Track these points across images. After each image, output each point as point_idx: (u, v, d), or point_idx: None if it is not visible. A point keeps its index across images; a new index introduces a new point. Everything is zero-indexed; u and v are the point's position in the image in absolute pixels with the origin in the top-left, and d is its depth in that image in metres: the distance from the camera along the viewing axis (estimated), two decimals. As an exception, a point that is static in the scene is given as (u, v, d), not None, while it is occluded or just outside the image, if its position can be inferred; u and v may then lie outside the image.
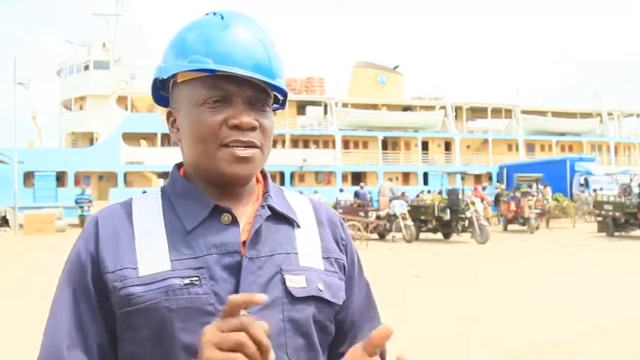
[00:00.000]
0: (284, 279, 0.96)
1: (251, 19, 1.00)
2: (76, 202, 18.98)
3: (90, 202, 18.60)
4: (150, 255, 0.94)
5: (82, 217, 18.56)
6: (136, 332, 0.92)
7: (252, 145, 0.96)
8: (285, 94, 1.04)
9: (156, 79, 1.03)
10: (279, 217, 1.02)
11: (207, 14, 1.00)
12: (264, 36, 0.99)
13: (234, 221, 0.97)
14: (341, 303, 1.03)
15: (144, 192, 1.08)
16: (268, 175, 1.09)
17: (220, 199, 0.99)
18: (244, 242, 0.96)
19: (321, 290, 0.99)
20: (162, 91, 1.06)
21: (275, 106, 1.05)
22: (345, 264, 1.08)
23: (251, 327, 0.77)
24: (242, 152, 0.95)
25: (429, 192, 24.38)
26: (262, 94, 0.98)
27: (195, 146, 0.97)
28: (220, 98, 0.95)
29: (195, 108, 0.96)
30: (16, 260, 12.24)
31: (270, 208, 1.01)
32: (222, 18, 0.97)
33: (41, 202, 30.30)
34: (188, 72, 0.96)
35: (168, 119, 1.04)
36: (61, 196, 31.90)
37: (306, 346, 0.97)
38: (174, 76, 0.99)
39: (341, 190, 23.59)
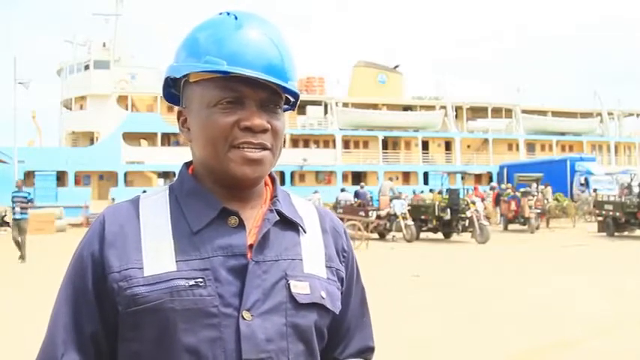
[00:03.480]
0: (289, 284, 0.96)
1: (264, 20, 1.00)
2: (12, 202, 12.69)
3: (29, 201, 12.75)
4: (155, 255, 0.94)
5: (16, 222, 12.49)
6: (139, 332, 0.92)
7: (262, 147, 0.96)
8: (297, 96, 1.04)
9: (167, 77, 1.03)
10: (285, 222, 1.02)
11: (220, 14, 0.99)
12: (277, 37, 0.98)
13: (241, 224, 0.97)
14: (337, 312, 1.04)
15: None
16: (277, 179, 1.09)
17: (228, 200, 0.99)
18: (250, 245, 0.96)
19: (323, 298, 0.99)
20: (173, 88, 1.05)
21: (285, 107, 1.04)
22: (344, 276, 1.09)
23: None
24: (252, 154, 0.95)
25: (431, 191, 24.41)
26: (275, 96, 0.97)
27: (206, 147, 0.96)
28: (233, 100, 0.95)
29: (207, 109, 0.96)
30: (16, 260, 12.23)
31: (278, 212, 1.01)
32: (236, 18, 0.96)
33: (41, 201, 30.29)
34: (201, 72, 0.95)
35: (178, 119, 1.04)
36: (61, 195, 31.94)
37: (307, 352, 0.98)
38: (186, 75, 0.98)
39: (342, 190, 23.54)
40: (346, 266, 1.10)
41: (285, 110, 1.05)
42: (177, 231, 0.96)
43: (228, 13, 0.98)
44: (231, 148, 0.95)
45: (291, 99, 1.04)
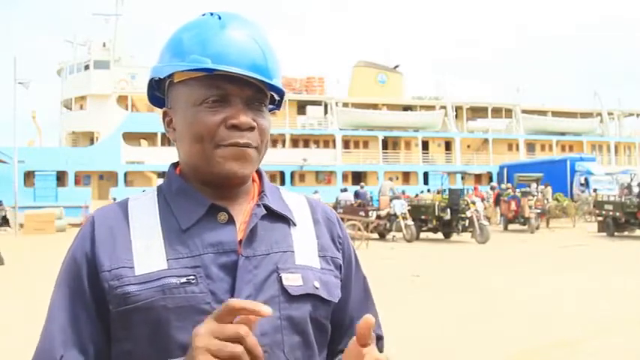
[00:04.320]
0: (280, 277, 0.96)
1: (248, 19, 1.00)
2: None
3: None
4: (146, 254, 0.94)
5: None
6: (132, 331, 0.92)
7: (248, 146, 0.96)
8: (282, 95, 1.04)
9: (151, 79, 1.03)
10: (275, 216, 1.02)
11: (203, 15, 1.00)
12: (260, 36, 0.99)
13: (231, 220, 0.97)
14: (336, 301, 1.03)
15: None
16: (264, 174, 1.09)
17: (216, 198, 0.99)
18: (241, 241, 0.96)
19: (317, 288, 0.99)
20: (157, 91, 1.06)
21: (271, 106, 1.05)
22: (342, 263, 1.08)
23: (248, 339, 0.76)
24: (238, 152, 0.96)
25: (428, 191, 24.37)
26: (260, 94, 0.98)
27: (192, 146, 0.97)
28: (219, 98, 0.95)
29: (192, 107, 0.96)
30: (16, 260, 12.23)
31: (266, 206, 1.01)
32: (220, 18, 0.97)
33: (41, 201, 30.35)
34: (186, 72, 0.96)
35: (164, 119, 1.04)
36: (61, 195, 31.96)
37: (303, 344, 0.97)
38: (170, 76, 0.99)
39: (345, 190, 23.48)
40: (342, 253, 1.09)
41: (270, 110, 1.05)
42: (167, 229, 0.96)
43: (212, 14, 0.99)
44: (217, 147, 0.95)
45: (277, 97, 1.05)
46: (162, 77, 1.01)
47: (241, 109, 0.95)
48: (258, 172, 1.08)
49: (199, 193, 0.99)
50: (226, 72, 0.93)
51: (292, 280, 0.97)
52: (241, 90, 0.95)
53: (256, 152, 0.98)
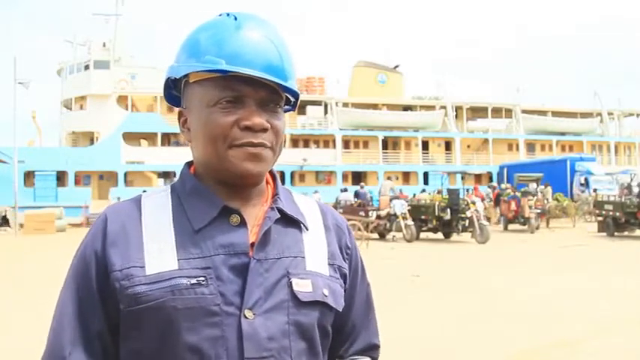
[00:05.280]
0: (291, 282, 0.96)
1: (264, 20, 1.00)
2: None
3: None
4: (157, 254, 0.94)
5: None
6: (141, 330, 0.92)
7: (263, 146, 0.96)
8: (297, 96, 1.04)
9: (168, 78, 1.03)
10: (287, 220, 1.02)
11: (220, 15, 1.00)
12: (276, 37, 0.98)
13: (243, 222, 0.97)
14: (341, 310, 1.04)
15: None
16: (277, 177, 1.09)
17: (230, 199, 0.99)
18: (252, 244, 0.96)
19: (326, 296, 0.99)
20: (174, 90, 1.06)
21: (286, 107, 1.05)
22: (347, 273, 1.08)
23: None
24: (253, 150, 0.96)
25: (424, 191, 24.34)
26: (274, 95, 0.98)
27: (207, 147, 0.97)
28: (232, 99, 0.95)
29: (207, 108, 0.96)
30: (16, 260, 12.23)
31: (280, 210, 1.01)
32: (235, 19, 0.97)
33: (41, 201, 30.34)
34: (200, 72, 0.96)
35: (179, 119, 1.04)
36: (61, 195, 31.96)
37: (309, 350, 0.98)
38: (186, 76, 0.99)
39: (345, 190, 23.43)
40: (349, 263, 1.09)
41: (286, 111, 1.05)
42: (179, 229, 0.96)
43: (228, 14, 0.99)
44: (231, 148, 0.95)
45: (292, 99, 1.04)
46: (178, 77, 1.01)
47: (255, 111, 0.95)
48: (272, 175, 1.08)
49: (213, 194, 0.99)
50: (240, 73, 0.93)
51: (302, 286, 0.97)
52: (255, 91, 0.95)
53: (271, 152, 0.98)
